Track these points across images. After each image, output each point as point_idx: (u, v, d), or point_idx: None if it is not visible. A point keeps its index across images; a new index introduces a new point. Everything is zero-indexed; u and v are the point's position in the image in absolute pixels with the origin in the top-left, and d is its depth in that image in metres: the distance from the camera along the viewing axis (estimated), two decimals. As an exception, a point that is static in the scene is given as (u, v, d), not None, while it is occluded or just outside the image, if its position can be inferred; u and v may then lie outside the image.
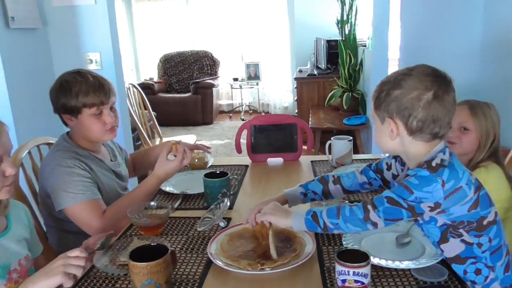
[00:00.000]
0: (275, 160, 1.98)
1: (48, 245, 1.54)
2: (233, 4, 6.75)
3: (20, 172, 1.57)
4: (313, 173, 1.79)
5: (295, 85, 5.19)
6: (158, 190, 1.57)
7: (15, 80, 2.38)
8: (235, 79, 6.81)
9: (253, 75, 6.77)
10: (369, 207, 1.01)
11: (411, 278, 1.02)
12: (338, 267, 0.95)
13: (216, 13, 6.81)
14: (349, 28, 4.44)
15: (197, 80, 6.48)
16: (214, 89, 6.46)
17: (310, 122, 4.20)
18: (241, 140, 1.98)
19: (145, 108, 3.91)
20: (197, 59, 6.82)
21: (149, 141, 3.62)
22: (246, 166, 1.93)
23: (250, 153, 1.97)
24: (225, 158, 2.53)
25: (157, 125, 4.05)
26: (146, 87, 5.99)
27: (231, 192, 1.55)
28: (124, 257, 1.15)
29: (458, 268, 1.04)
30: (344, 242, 1.18)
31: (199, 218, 1.36)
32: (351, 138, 1.85)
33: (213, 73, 6.76)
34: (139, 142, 3.82)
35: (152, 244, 1.05)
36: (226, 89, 7.13)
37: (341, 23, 4.49)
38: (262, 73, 6.77)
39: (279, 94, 6.79)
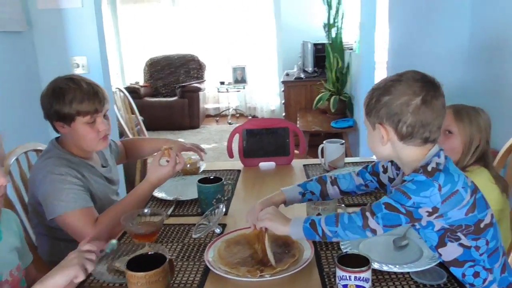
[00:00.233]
0: (267, 164, 1.97)
1: (37, 254, 1.50)
2: (219, 8, 6.73)
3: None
4: (306, 177, 1.79)
5: (283, 89, 5.20)
6: (151, 196, 1.55)
7: (-1, 84, 2.33)
8: (222, 83, 6.77)
9: (240, 79, 6.74)
10: (368, 214, 1.01)
11: (411, 281, 1.03)
12: (339, 272, 0.94)
13: (203, 17, 6.78)
14: (336, 32, 4.47)
15: (183, 84, 6.44)
16: (200, 92, 6.42)
17: (298, 125, 4.20)
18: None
19: (132, 112, 3.86)
20: (183, 63, 6.77)
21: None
22: (239, 171, 1.91)
23: (242, 157, 1.96)
24: (217, 163, 2.51)
25: (145, 130, 4.01)
26: (132, 91, 5.91)
27: (225, 198, 1.54)
28: (119, 263, 1.13)
29: (456, 271, 1.05)
30: (342, 247, 1.18)
31: (193, 224, 1.35)
32: (343, 141, 1.86)
33: (199, 76, 6.72)
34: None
35: (149, 253, 1.03)
36: (213, 93, 7.08)
37: (328, 26, 4.51)
38: (249, 76, 6.74)
39: (266, 98, 6.78)
